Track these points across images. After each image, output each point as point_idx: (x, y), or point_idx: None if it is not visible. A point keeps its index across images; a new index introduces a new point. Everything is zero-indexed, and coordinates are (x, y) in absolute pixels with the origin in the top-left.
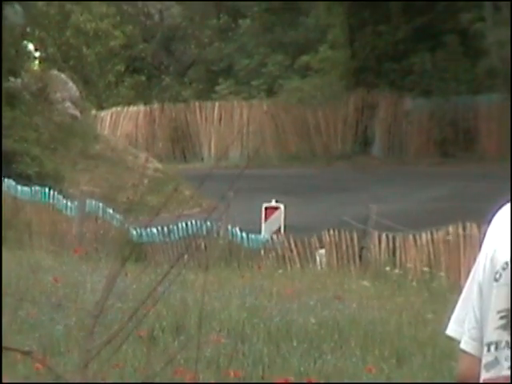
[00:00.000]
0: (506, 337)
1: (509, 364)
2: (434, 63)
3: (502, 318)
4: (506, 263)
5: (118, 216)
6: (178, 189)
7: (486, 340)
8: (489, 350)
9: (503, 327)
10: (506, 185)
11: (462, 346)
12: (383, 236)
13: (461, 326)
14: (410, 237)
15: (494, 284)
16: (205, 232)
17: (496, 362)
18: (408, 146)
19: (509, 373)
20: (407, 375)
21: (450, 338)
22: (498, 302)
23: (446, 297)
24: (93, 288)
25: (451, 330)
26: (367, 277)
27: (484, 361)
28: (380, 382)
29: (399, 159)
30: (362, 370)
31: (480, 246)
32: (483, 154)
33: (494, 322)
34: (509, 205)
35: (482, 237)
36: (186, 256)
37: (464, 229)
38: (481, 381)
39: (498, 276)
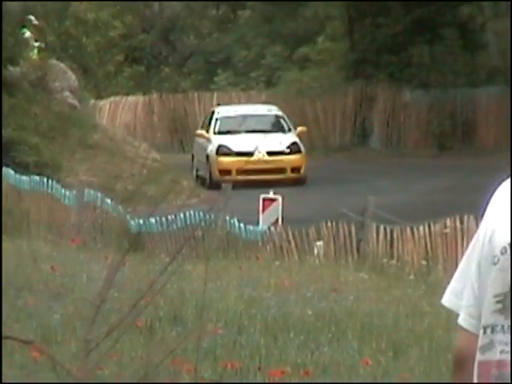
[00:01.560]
0: (501, 321)
1: (502, 348)
2: (433, 56)
3: (498, 302)
4: (505, 248)
5: (116, 206)
6: (176, 179)
7: (483, 322)
8: (485, 332)
9: (499, 311)
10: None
11: (461, 322)
12: (381, 228)
13: (456, 297)
14: (408, 229)
15: (492, 267)
16: (203, 223)
17: (492, 345)
18: (406, 138)
19: (502, 357)
20: (404, 367)
21: (446, 308)
22: (495, 286)
23: (443, 289)
24: (90, 277)
25: (447, 300)
26: (365, 269)
27: (480, 343)
28: (377, 374)
29: (397, 151)
30: (358, 361)
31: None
32: (481, 146)
33: (490, 305)
34: (509, 180)
35: (482, 212)
36: (184, 247)
37: (461, 222)
38: (476, 363)
39: (496, 260)
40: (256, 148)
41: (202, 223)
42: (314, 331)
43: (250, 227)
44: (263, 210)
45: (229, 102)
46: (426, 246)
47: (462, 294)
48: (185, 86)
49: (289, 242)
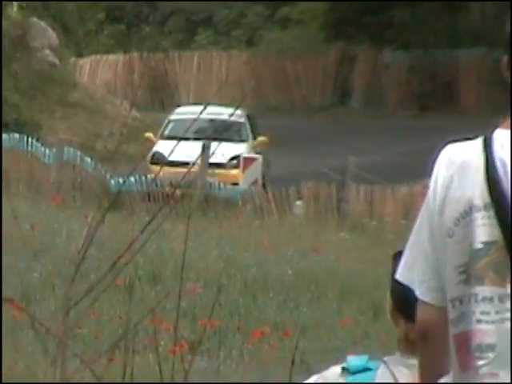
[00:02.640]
0: (468, 291)
1: (478, 317)
2: (414, 16)
3: (460, 273)
4: (457, 219)
5: (96, 165)
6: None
7: (449, 296)
8: (453, 305)
9: (464, 282)
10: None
11: (421, 296)
12: (361, 188)
13: (409, 270)
14: (388, 189)
15: (448, 240)
16: (183, 182)
17: (464, 316)
18: (387, 99)
19: (480, 327)
20: (384, 328)
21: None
22: (455, 257)
23: None
24: (70, 236)
25: (400, 275)
26: (345, 229)
27: (451, 316)
28: (356, 334)
29: (378, 112)
30: (338, 322)
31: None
32: (462, 107)
33: (453, 277)
34: (454, 146)
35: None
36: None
37: None
38: (450, 336)
39: (450, 233)
40: (193, 158)
41: (182, 182)
42: (294, 291)
43: (230, 187)
44: (243, 170)
45: (209, 62)
46: (406, 206)
47: (413, 267)
48: (165, 45)
49: (268, 202)
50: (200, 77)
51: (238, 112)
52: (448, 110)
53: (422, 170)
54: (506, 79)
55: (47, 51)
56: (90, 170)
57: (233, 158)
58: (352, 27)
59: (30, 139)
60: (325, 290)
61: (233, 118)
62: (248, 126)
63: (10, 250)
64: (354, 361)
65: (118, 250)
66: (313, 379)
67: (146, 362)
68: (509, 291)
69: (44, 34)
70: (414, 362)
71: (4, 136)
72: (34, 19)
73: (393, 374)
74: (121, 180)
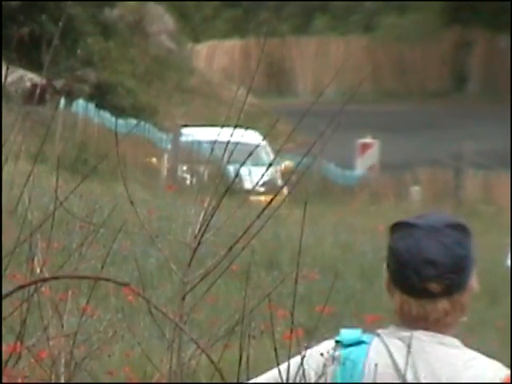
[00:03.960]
0: None
1: None
2: None
3: None
4: None
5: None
6: (272, 124)
7: None
8: None
9: None
10: None
11: None
12: (478, 174)
13: None
14: (505, 175)
15: None
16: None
17: None
18: (504, 84)
19: None
20: (499, 314)
21: None
22: None
23: None
24: (185, 221)
25: None
26: (461, 214)
27: None
28: (473, 322)
29: (495, 97)
30: None
31: None
32: None
33: None
34: None
35: None
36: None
37: None
38: None
39: None
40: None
41: (299, 168)
42: None
43: (347, 172)
44: (360, 155)
45: (327, 48)
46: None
47: None
48: (282, 30)
49: (385, 187)
50: (317, 62)
51: (255, 133)
52: None
53: None
54: None
55: (164, 36)
56: (207, 155)
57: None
58: (468, 12)
59: (146, 124)
60: None
61: (253, 141)
62: (269, 148)
63: (126, 235)
64: (347, 334)
65: (234, 235)
66: (307, 353)
67: (262, 347)
68: None
69: (161, 20)
70: (408, 334)
71: (121, 121)
72: (151, 4)
73: (386, 347)
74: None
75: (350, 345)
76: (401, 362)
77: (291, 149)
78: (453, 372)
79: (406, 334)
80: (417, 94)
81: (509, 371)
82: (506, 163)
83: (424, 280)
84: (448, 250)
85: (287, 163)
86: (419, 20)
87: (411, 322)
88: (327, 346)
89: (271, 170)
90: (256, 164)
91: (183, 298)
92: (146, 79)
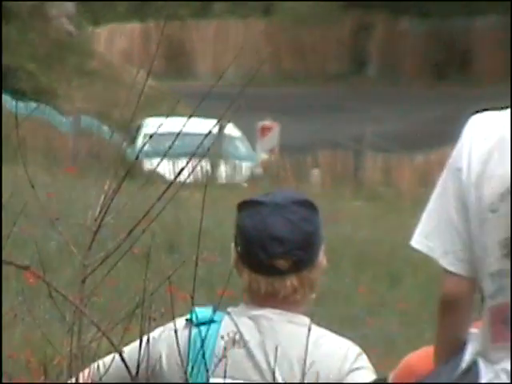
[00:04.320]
0: (508, 264)
1: None
2: None
3: (503, 247)
4: (502, 195)
5: (112, 133)
6: (172, 107)
7: (490, 270)
8: (493, 279)
9: (505, 256)
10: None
11: (449, 266)
12: (378, 157)
13: (427, 238)
14: (404, 158)
15: (490, 214)
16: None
17: (502, 289)
18: (403, 67)
19: None
20: (400, 296)
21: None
22: (498, 232)
23: None
24: (86, 204)
25: (417, 243)
26: (361, 197)
27: (489, 290)
28: (373, 302)
29: (394, 80)
30: (355, 290)
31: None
32: (478, 76)
33: (494, 251)
34: (485, 117)
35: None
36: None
37: None
38: (486, 309)
39: (494, 207)
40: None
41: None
42: None
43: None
44: (261, 138)
45: (226, 31)
46: (423, 175)
47: (434, 235)
48: (182, 14)
49: (285, 170)
50: (217, 45)
51: (230, 124)
52: (464, 78)
53: (438, 138)
54: None
55: (64, 20)
56: (107, 138)
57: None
58: None
59: (46, 108)
60: (341, 258)
61: (229, 132)
62: (247, 141)
63: (26, 218)
64: (198, 313)
65: (134, 218)
66: (157, 332)
67: None
68: None
69: (61, 3)
70: (259, 312)
71: (21, 104)
72: None
73: (236, 325)
74: (138, 148)
75: (201, 323)
76: (251, 342)
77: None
78: (303, 351)
79: (255, 312)
80: (316, 77)
81: (358, 349)
82: (405, 146)
83: (271, 257)
84: (295, 226)
85: (266, 157)
86: (318, 3)
87: (260, 299)
88: (178, 324)
89: (253, 163)
90: (235, 157)
91: (83, 281)
92: (47, 62)
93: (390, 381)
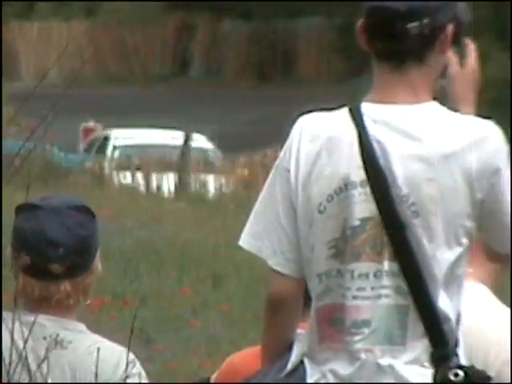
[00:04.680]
0: (336, 265)
1: (342, 292)
2: None
3: (330, 248)
4: (331, 195)
5: None
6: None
7: (317, 271)
8: (320, 280)
9: (333, 257)
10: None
11: (277, 267)
12: (201, 158)
13: (255, 239)
14: (228, 159)
15: (318, 216)
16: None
17: (328, 290)
18: (226, 68)
19: (356, 303)
20: (223, 297)
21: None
22: (326, 233)
23: None
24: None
25: (245, 243)
26: (184, 199)
27: (317, 290)
28: (196, 303)
29: (217, 81)
30: (177, 291)
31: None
32: (301, 77)
33: (322, 252)
34: (313, 118)
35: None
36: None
37: None
38: (313, 310)
39: (322, 208)
40: None
41: (23, 152)
42: (134, 260)
43: (70, 156)
44: (84, 139)
45: (49, 33)
46: (247, 176)
47: (262, 236)
48: (5, 15)
49: (110, 171)
50: (40, 47)
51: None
52: (287, 79)
53: (262, 139)
54: (361, 43)
55: None
56: None
57: None
58: None
59: None
60: (164, 259)
61: (198, 145)
62: (218, 151)
63: None
64: None
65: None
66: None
67: None
68: (385, 267)
69: None
70: (31, 318)
71: None
72: None
73: (11, 332)
74: None
75: None
76: (27, 347)
77: (15, 133)
78: (75, 357)
79: (28, 318)
80: (139, 78)
81: (131, 356)
82: (228, 147)
83: (46, 261)
84: (70, 231)
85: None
86: (141, 4)
87: (34, 304)
88: None
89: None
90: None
91: None
92: None
93: (212, 381)
